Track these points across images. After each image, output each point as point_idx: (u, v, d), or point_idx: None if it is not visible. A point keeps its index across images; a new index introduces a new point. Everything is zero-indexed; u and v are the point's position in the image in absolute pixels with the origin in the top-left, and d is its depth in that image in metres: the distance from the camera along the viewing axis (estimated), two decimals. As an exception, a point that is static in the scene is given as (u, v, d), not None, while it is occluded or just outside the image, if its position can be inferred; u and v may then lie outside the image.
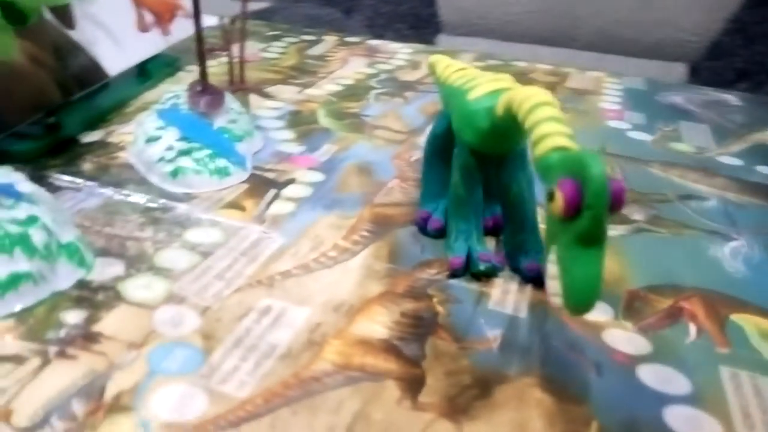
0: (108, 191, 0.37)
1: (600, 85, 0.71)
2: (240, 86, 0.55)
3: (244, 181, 0.40)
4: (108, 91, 0.49)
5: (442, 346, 0.28)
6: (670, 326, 0.32)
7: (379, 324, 0.29)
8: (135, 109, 0.49)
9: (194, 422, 0.23)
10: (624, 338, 0.30)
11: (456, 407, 0.25)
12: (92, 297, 0.29)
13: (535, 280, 0.34)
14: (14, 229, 0.27)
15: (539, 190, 0.29)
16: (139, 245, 0.33)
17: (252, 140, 0.44)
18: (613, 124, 0.59)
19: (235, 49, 0.53)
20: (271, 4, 1.46)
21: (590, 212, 0.22)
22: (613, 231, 0.40)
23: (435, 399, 0.25)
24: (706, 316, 0.33)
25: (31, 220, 0.28)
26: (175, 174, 0.38)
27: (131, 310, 0.28)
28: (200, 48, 0.42)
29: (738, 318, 0.33)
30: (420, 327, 0.29)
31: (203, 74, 0.43)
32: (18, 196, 0.30)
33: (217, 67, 0.58)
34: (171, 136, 0.40)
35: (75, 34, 0.44)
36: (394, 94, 0.60)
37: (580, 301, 0.22)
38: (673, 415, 0.26)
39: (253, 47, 0.70)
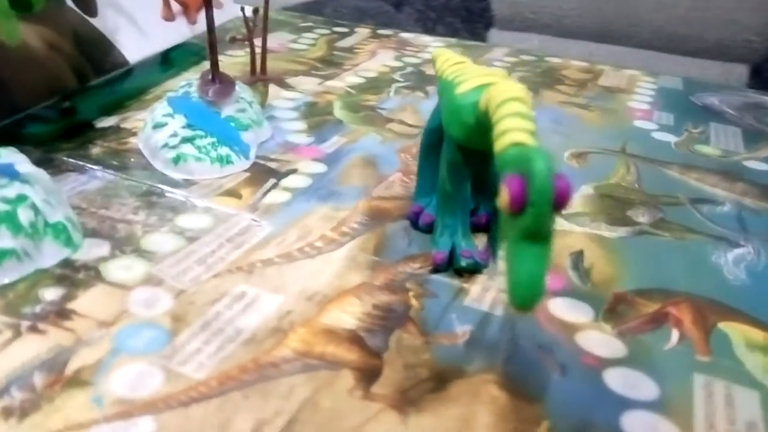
0: (110, 175, 0.39)
1: (634, 83, 0.69)
2: (261, 77, 0.56)
3: (246, 170, 0.41)
4: (128, 79, 0.51)
5: (408, 339, 0.29)
6: (652, 331, 0.31)
7: (348, 314, 0.30)
8: (153, 97, 0.50)
9: (146, 399, 0.24)
10: (599, 341, 0.30)
11: (406, 399, 0.25)
12: (73, 276, 0.30)
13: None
14: (1, 207, 0.29)
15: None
16: (130, 228, 0.34)
17: (260, 130, 0.45)
18: (639, 123, 0.58)
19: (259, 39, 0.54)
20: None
21: (533, 209, 0.21)
22: (613, 233, 0.39)
23: (387, 390, 0.26)
24: (693, 322, 0.32)
25: (20, 198, 0.30)
26: (176, 160, 0.39)
27: (108, 289, 0.29)
28: (211, 38, 0.43)
29: (726, 326, 0.32)
30: (389, 319, 0.30)
31: (214, 64, 0.44)
32: (14, 176, 0.31)
33: (243, 57, 0.60)
34: (177, 123, 0.41)
35: (97, 22, 0.45)
36: (415, 88, 0.60)
37: (521, 297, 0.22)
38: (631, 420, 0.26)
39: (282, 38, 0.71)
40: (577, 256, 0.36)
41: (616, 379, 0.28)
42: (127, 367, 0.25)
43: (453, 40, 0.79)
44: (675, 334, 0.31)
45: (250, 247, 0.34)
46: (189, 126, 0.41)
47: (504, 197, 0.22)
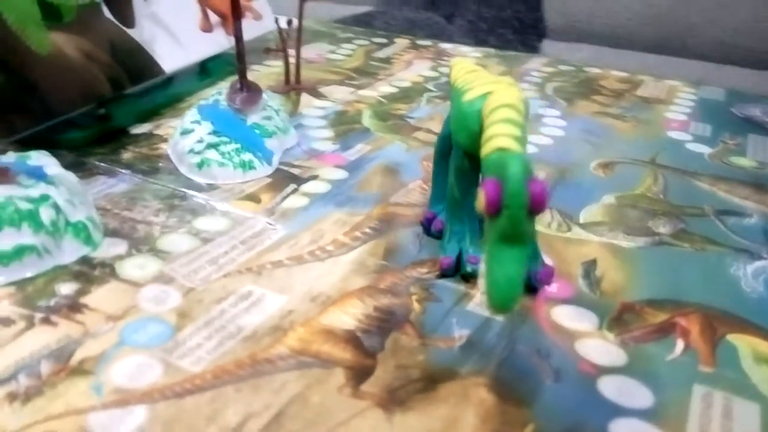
0: (137, 179, 0.41)
1: (673, 94, 0.68)
2: (294, 86, 0.58)
3: (268, 176, 0.43)
4: (165, 87, 0.53)
5: (404, 341, 0.29)
6: (656, 341, 0.31)
7: (349, 316, 0.30)
8: (188, 105, 0.52)
9: (142, 389, 0.25)
10: (599, 348, 0.30)
11: (394, 398, 0.26)
12: (89, 272, 0.32)
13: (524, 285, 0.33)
14: (25, 205, 0.31)
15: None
16: (149, 228, 0.36)
17: (285, 137, 0.46)
18: (674, 134, 0.57)
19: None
20: (371, 8, 1.49)
21: (508, 212, 0.22)
22: (630, 243, 0.39)
23: (376, 389, 0.26)
24: (700, 333, 0.32)
25: (43, 198, 0.31)
26: (201, 165, 0.41)
27: (120, 286, 0.31)
28: (239, 47, 0.45)
29: (735, 338, 0.31)
30: (388, 321, 0.30)
31: (241, 72, 0.45)
32: (42, 177, 0.33)
33: (280, 67, 0.61)
34: (203, 130, 0.42)
35: (134, 33, 0.48)
36: (446, 98, 0.60)
37: (497, 299, 0.22)
38: (620, 427, 0.25)
39: (321, 49, 0.72)
40: (590, 265, 0.36)
41: (610, 387, 0.28)
42: (129, 359, 0.27)
43: (492, 51, 0.79)
44: (680, 345, 0.31)
45: (262, 249, 0.35)
46: (215, 132, 0.42)
47: (480, 200, 0.22)
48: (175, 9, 0.52)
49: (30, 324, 0.28)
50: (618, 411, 0.26)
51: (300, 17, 0.55)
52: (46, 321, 0.28)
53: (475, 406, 0.26)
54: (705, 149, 0.54)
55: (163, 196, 0.39)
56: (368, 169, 0.45)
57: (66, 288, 0.30)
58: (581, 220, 0.41)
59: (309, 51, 0.70)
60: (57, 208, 0.32)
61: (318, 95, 0.58)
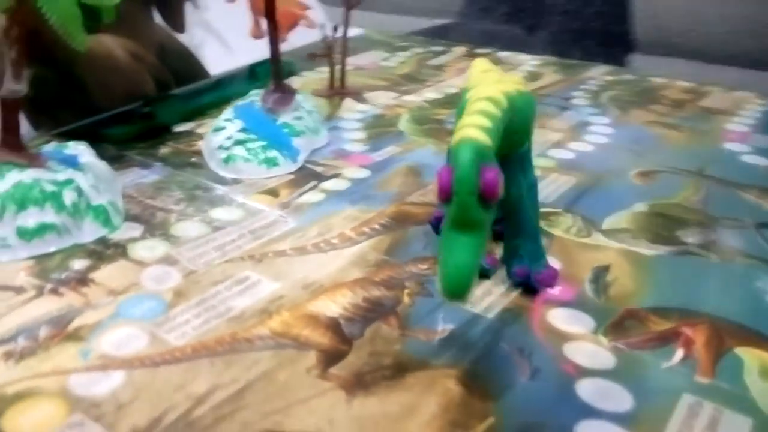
0: (168, 171, 0.43)
1: (739, 105, 0.65)
2: (339, 90, 0.59)
3: (291, 172, 0.44)
4: (213, 89, 0.56)
5: (385, 331, 0.29)
6: (654, 348, 0.30)
7: (336, 304, 0.31)
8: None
9: (124, 357, 0.27)
10: (588, 352, 0.29)
11: (360, 383, 0.26)
12: (103, 251, 0.34)
13: (524, 285, 0.33)
14: (49, 187, 0.33)
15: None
16: (166, 215, 0.38)
17: (315, 137, 0.48)
18: (730, 146, 0.55)
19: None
20: (449, 21, 1.49)
21: (456, 198, 0.22)
22: (651, 250, 0.37)
23: (344, 372, 0.27)
24: (705, 344, 0.30)
25: (67, 182, 0.34)
26: (227, 160, 0.43)
27: (128, 264, 0.33)
28: (274, 50, 0.46)
29: (743, 351, 0.30)
30: (374, 312, 0.31)
31: (277, 75, 0.47)
32: (73, 165, 0.36)
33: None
34: (233, 128, 0.44)
35: (184, 37, 0.50)
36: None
37: (448, 286, 0.22)
38: (586, 428, 0.25)
39: (376, 56, 0.74)
40: (601, 271, 0.35)
41: (588, 389, 0.27)
42: (120, 330, 0.28)
43: (552, 58, 0.78)
44: (679, 354, 0.30)
45: (269, 239, 0.36)
46: (244, 130, 0.44)
47: (434, 187, 0.23)
48: (226, 16, 0.55)
49: (39, 293, 0.30)
50: (589, 413, 0.26)
51: (345, 24, 0.57)
52: (54, 291, 0.30)
53: (438, 396, 0.26)
54: (762, 161, 0.52)
55: (188, 188, 0.41)
56: (391, 169, 0.46)
57: (79, 264, 0.32)
58: (603, 227, 0.40)
59: (362, 59, 0.71)
60: (80, 191, 0.34)
61: (361, 100, 0.59)
